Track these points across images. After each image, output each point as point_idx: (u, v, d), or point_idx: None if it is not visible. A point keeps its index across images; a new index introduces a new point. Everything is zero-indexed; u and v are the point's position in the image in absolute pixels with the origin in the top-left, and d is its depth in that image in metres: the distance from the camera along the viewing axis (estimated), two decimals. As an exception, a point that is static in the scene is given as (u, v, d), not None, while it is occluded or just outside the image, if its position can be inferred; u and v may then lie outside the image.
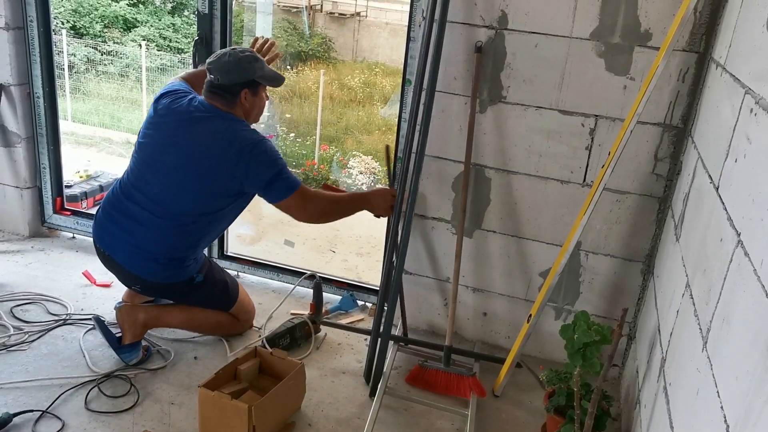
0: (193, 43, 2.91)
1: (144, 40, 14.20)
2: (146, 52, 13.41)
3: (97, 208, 2.57)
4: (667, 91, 2.33)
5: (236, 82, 2.33)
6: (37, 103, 3.24)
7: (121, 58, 14.04)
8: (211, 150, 2.30)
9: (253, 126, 2.45)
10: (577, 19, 2.34)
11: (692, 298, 1.68)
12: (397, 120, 2.80)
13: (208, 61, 2.37)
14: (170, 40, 15.07)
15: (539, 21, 2.38)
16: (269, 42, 2.67)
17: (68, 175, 4.89)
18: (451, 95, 2.56)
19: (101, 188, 5.16)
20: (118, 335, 2.45)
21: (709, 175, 1.78)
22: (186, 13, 16.05)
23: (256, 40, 2.67)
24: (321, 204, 2.47)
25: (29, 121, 3.26)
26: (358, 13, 17.28)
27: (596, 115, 2.43)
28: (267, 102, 2.50)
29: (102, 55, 14.00)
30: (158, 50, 14.31)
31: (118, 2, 15.19)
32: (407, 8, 2.61)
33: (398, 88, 2.76)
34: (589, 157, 2.48)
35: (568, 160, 2.51)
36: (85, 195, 4.98)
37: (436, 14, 2.39)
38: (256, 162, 2.30)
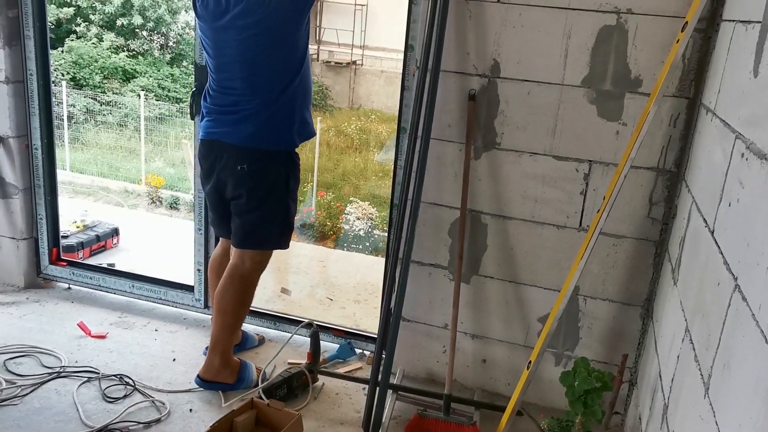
0: (191, 94, 2.95)
1: (143, 90, 14.41)
2: (145, 102, 13.58)
3: (200, 121, 2.62)
4: (659, 136, 2.36)
5: None
6: (35, 154, 3.26)
7: (120, 108, 14.23)
8: (259, 10, 2.29)
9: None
10: (568, 67, 2.39)
11: (692, 343, 1.66)
12: (393, 165, 2.82)
13: None
14: (168, 90, 15.30)
15: (531, 69, 2.43)
16: None
17: (65, 226, 4.89)
18: (445, 142, 2.59)
19: (98, 238, 5.15)
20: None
21: (704, 219, 1.79)
22: (185, 63, 16.34)
23: None
24: None
25: (27, 173, 3.28)
26: (354, 62, 17.59)
27: (590, 161, 2.45)
28: None
29: (101, 105, 14.19)
30: (157, 100, 14.50)
31: (117, 54, 15.47)
32: (402, 56, 2.66)
33: (394, 134, 2.79)
34: (584, 202, 2.50)
35: (563, 205, 2.52)
36: (82, 245, 4.97)
37: (429, 64, 2.43)
38: None
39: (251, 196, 2.49)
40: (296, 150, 2.56)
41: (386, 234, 3.05)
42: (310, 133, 2.58)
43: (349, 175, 12.88)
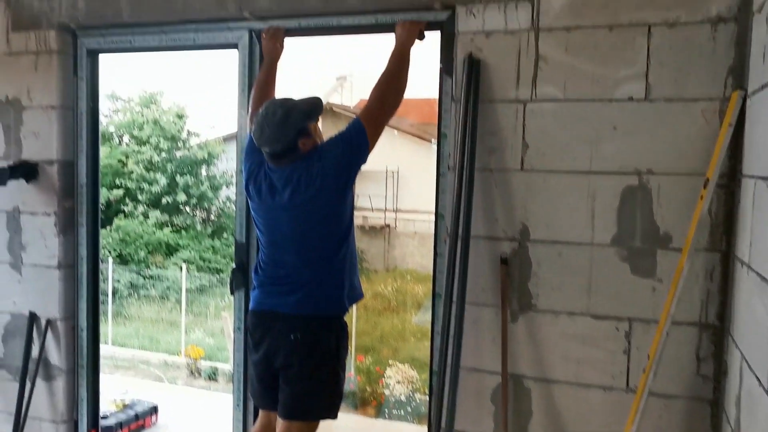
0: (231, 270, 3.05)
1: (185, 262, 14.90)
2: (186, 274, 13.99)
3: (252, 291, 2.66)
4: (697, 291, 2.33)
5: (288, 142, 2.41)
6: (80, 335, 3.34)
7: (162, 281, 14.64)
8: (308, 190, 2.40)
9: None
10: (596, 227, 2.43)
11: None
12: (430, 327, 2.81)
13: (254, 138, 2.48)
14: (209, 262, 15.80)
15: (560, 231, 2.48)
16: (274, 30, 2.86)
17: (105, 405, 4.87)
18: (481, 306, 2.59)
19: (136, 417, 5.10)
20: None
21: (757, 378, 1.72)
22: (225, 235, 17.00)
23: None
24: (385, 102, 2.49)
25: (71, 354, 3.33)
26: (388, 225, 18.10)
27: (629, 318, 2.42)
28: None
29: (144, 279, 14.65)
30: (198, 271, 14.93)
31: (162, 230, 16.22)
32: (433, 217, 2.75)
33: (430, 294, 2.81)
34: (628, 361, 2.42)
35: (607, 366, 2.45)
36: (120, 425, 4.92)
37: (459, 231, 2.51)
38: (329, 146, 2.45)
39: (303, 365, 2.49)
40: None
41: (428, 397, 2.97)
42: (358, 296, 2.65)
43: (387, 338, 12.75)
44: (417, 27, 2.61)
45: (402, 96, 2.53)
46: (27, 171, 3.23)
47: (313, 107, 2.48)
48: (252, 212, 2.65)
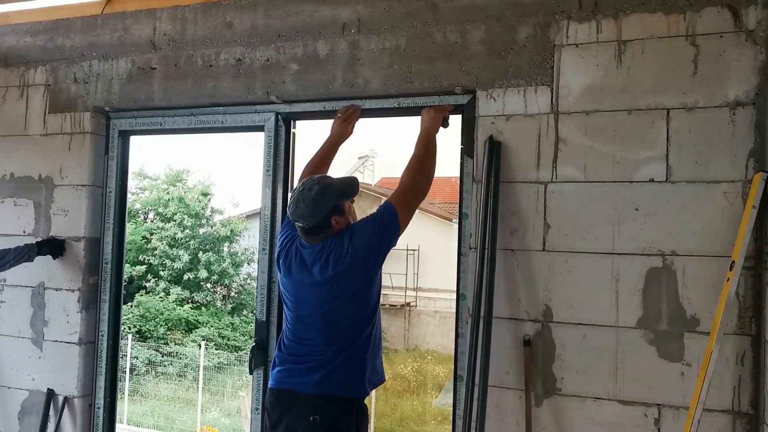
0: (250, 348, 3.03)
1: (204, 339, 14.80)
2: (205, 352, 13.87)
3: (271, 370, 2.61)
4: (728, 376, 2.26)
5: (321, 218, 2.42)
6: (97, 413, 3.30)
7: (180, 358, 14.52)
8: (336, 267, 2.39)
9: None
10: (621, 310, 2.39)
11: None
12: (452, 410, 2.73)
13: (289, 213, 2.48)
14: (228, 339, 15.69)
15: (584, 313, 2.44)
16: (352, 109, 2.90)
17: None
18: (504, 389, 2.53)
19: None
20: None
21: (795, 470, 1.64)
22: (245, 312, 16.94)
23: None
24: (416, 186, 2.50)
25: (87, 433, 3.30)
26: (408, 304, 17.95)
27: (658, 404, 2.34)
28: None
29: (163, 356, 14.54)
30: (216, 349, 14.81)
31: (182, 306, 16.22)
32: (455, 297, 2.72)
33: (451, 375, 2.75)
34: (659, 451, 2.33)
35: (637, 455, 2.36)
36: None
37: (481, 311, 2.48)
38: (360, 226, 2.45)
39: None
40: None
41: (449, 490, 2.85)
42: (380, 380, 2.58)
43: (407, 421, 12.40)
44: (441, 114, 2.67)
45: (431, 181, 2.56)
46: (54, 247, 3.29)
47: (348, 186, 2.51)
48: (281, 287, 2.65)
